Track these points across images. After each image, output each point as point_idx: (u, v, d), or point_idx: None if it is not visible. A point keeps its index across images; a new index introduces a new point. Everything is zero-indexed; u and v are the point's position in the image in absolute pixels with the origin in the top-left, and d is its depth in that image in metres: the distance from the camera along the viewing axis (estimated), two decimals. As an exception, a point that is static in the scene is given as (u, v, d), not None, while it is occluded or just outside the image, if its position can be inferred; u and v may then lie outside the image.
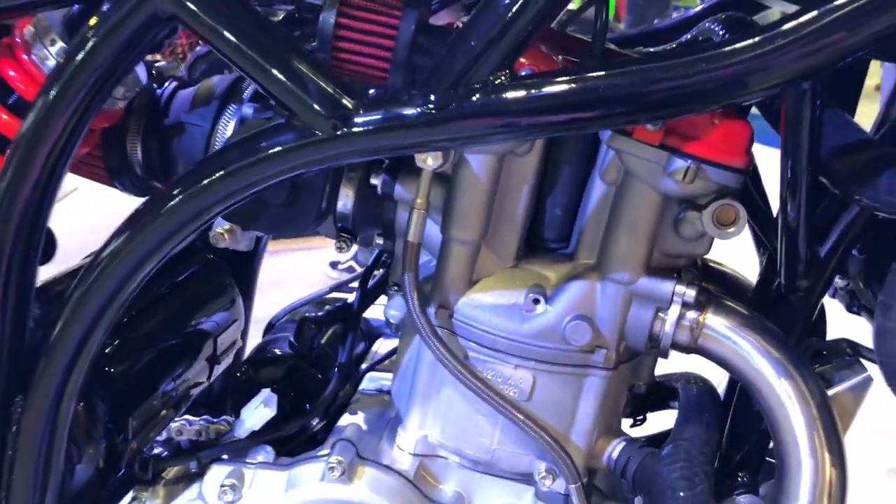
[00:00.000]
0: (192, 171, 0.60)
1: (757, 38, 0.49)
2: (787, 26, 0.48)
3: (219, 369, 0.95)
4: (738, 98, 0.52)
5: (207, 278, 0.94)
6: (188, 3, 0.53)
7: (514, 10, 0.51)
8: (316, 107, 0.54)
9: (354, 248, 2.57)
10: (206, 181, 0.58)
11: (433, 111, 0.52)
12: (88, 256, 0.82)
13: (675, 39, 0.86)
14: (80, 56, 0.56)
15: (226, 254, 0.99)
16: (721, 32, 0.78)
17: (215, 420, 0.92)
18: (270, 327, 0.93)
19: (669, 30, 0.88)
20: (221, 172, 0.57)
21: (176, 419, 0.87)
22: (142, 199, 0.70)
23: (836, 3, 0.47)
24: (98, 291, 0.63)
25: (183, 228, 0.61)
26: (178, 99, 0.79)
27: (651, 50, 0.85)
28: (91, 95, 0.58)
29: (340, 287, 0.96)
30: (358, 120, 0.53)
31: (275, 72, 0.54)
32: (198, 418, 0.92)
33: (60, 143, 0.60)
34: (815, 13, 0.48)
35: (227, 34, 0.54)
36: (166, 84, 0.80)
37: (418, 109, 0.53)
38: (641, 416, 0.87)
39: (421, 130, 0.53)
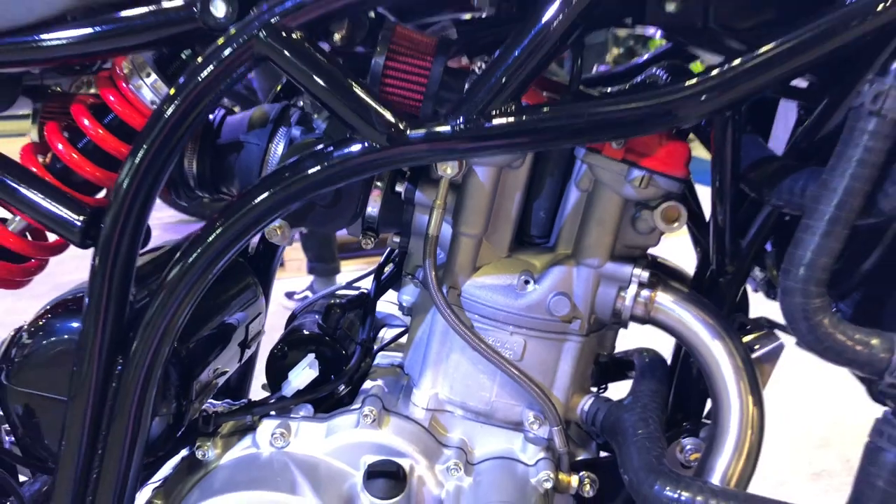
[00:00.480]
0: (271, 177, 0.77)
1: (692, 81, 0.69)
2: (712, 73, 0.69)
3: (248, 353, 1.11)
4: (680, 122, 0.72)
5: (238, 276, 1.10)
6: (280, 48, 0.72)
7: (520, 61, 0.71)
8: (374, 125, 0.72)
9: (311, 278, 2.78)
10: (286, 183, 0.75)
11: (463, 130, 0.72)
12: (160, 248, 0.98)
13: (628, 81, 1.08)
14: (189, 88, 0.74)
15: (248, 258, 1.16)
16: (664, 76, 1.00)
17: (236, 403, 1.08)
18: (293, 317, 1.10)
19: (625, 73, 1.10)
20: (299, 176, 0.75)
21: (206, 401, 1.03)
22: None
23: (744, 58, 0.68)
24: (188, 276, 0.79)
25: (260, 222, 0.78)
26: (229, 123, 0.96)
27: (611, 90, 1.07)
28: (191, 122, 0.75)
29: (351, 284, 1.13)
30: (407, 135, 0.72)
31: (344, 100, 0.72)
32: (219, 402, 1.08)
33: (162, 159, 0.77)
34: (731, 64, 0.69)
35: (308, 72, 0.72)
36: (216, 111, 0.98)
37: (452, 128, 0.72)
38: (604, 385, 1.06)
39: (454, 144, 0.72)
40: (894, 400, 0.72)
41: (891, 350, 0.71)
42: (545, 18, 0.70)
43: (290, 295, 3.56)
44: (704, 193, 0.90)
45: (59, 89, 1.00)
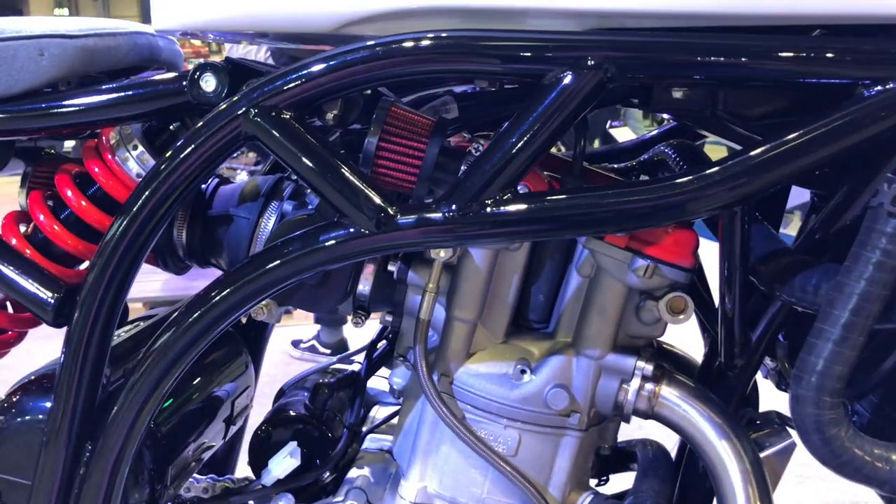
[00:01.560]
0: (258, 257, 0.73)
1: (702, 174, 0.65)
2: (725, 167, 0.65)
3: (233, 429, 1.06)
4: (686, 217, 0.68)
5: (227, 349, 1.06)
6: (268, 127, 0.69)
7: (518, 146, 0.68)
8: (362, 210, 0.69)
9: (317, 327, 2.72)
10: (270, 265, 0.72)
11: (456, 218, 0.68)
12: (141, 319, 0.95)
13: (635, 157, 1.05)
14: (174, 163, 0.71)
15: (239, 328, 1.13)
16: (672, 155, 0.97)
17: (220, 478, 1.03)
18: (282, 393, 1.05)
19: (631, 149, 1.06)
20: (283, 259, 0.71)
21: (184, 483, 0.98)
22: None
23: (758, 152, 0.64)
24: (165, 358, 0.75)
25: (245, 304, 0.74)
26: (221, 193, 0.93)
27: (617, 167, 1.03)
28: (177, 196, 0.72)
29: (344, 359, 1.09)
30: (396, 221, 0.69)
31: (331, 183, 0.69)
32: (204, 476, 1.03)
33: (145, 234, 0.73)
34: (744, 158, 0.65)
35: (295, 152, 0.69)
36: (209, 180, 0.95)
37: (444, 215, 0.68)
38: (605, 477, 1.01)
39: (446, 232, 0.68)
40: (916, 520, 0.67)
41: None
42: (548, 102, 0.67)
43: (296, 343, 3.51)
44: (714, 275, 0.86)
45: (52, 151, 0.98)
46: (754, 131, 0.74)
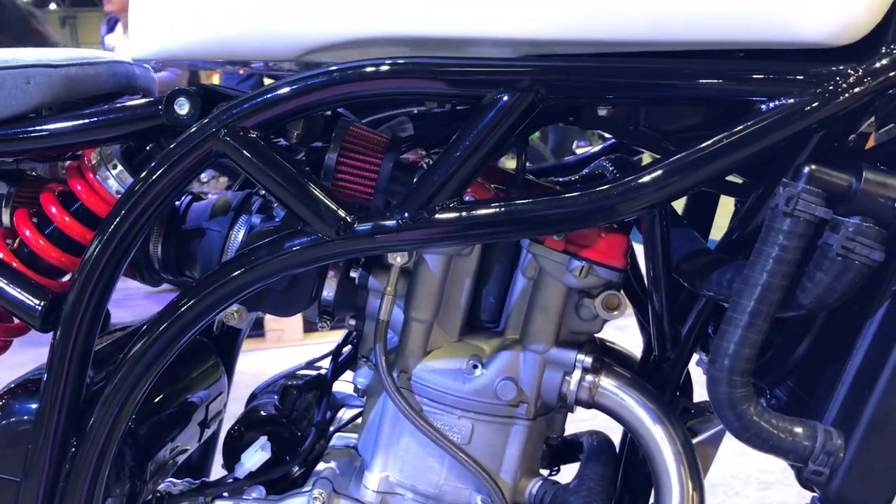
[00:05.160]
0: (228, 264, 0.81)
1: (623, 181, 0.74)
2: (640, 175, 0.74)
3: (207, 433, 1.13)
4: (610, 220, 0.77)
5: (201, 357, 1.13)
6: (237, 146, 0.76)
7: (462, 159, 0.76)
8: (323, 219, 0.77)
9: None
10: (239, 271, 0.79)
11: (408, 224, 0.76)
12: (126, 327, 1.01)
13: (578, 172, 1.14)
14: (150, 180, 0.78)
15: (213, 337, 1.19)
16: (610, 168, 1.06)
17: (196, 482, 1.09)
18: (253, 397, 1.12)
19: (575, 164, 1.15)
20: (251, 264, 0.79)
21: (161, 481, 1.04)
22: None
23: (671, 161, 0.73)
24: (143, 360, 0.82)
25: (215, 308, 0.81)
26: (194, 209, 1.00)
27: (559, 180, 1.12)
28: (151, 213, 0.80)
29: (311, 364, 1.15)
30: (354, 228, 0.76)
31: (295, 195, 0.77)
32: (180, 480, 1.09)
33: (124, 247, 0.80)
34: (658, 166, 0.74)
35: (262, 168, 0.76)
36: (183, 197, 1.02)
37: (397, 222, 0.76)
38: (557, 468, 1.08)
39: (399, 237, 0.76)
40: (820, 486, 0.75)
41: (813, 438, 0.74)
42: (487, 120, 0.76)
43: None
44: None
45: (34, 173, 1.04)
46: (674, 143, 0.83)
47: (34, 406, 0.84)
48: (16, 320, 0.96)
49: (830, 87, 0.71)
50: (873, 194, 0.70)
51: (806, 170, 0.71)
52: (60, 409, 0.82)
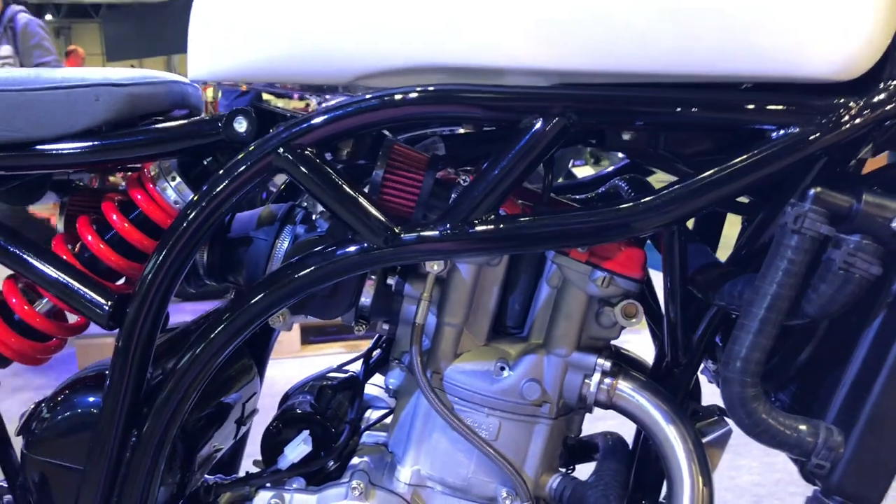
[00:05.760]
0: (281, 271, 0.88)
1: (644, 200, 0.82)
2: (660, 195, 0.82)
3: (243, 429, 1.19)
4: (631, 235, 0.84)
5: (237, 359, 1.19)
6: (295, 162, 0.84)
7: (499, 178, 0.83)
8: (373, 229, 0.84)
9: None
10: (292, 278, 0.86)
11: (449, 235, 0.83)
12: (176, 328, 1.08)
13: (594, 190, 1.22)
14: (213, 194, 0.85)
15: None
16: (625, 187, 1.14)
17: (228, 478, 1.16)
18: (286, 397, 1.19)
19: (591, 183, 1.23)
20: (303, 272, 0.86)
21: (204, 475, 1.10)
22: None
23: (687, 183, 0.81)
24: (200, 359, 0.89)
25: (267, 311, 0.88)
26: (238, 219, 1.07)
27: (579, 198, 1.20)
28: (210, 224, 0.87)
29: (342, 367, 1.22)
30: (401, 238, 0.84)
31: (346, 207, 0.84)
32: (213, 476, 1.16)
33: (185, 254, 0.87)
34: (675, 188, 0.81)
35: (318, 183, 0.84)
36: (227, 208, 1.09)
37: (440, 233, 0.84)
38: (573, 466, 1.15)
39: (440, 246, 0.84)
40: (821, 479, 0.83)
41: (816, 434, 0.81)
42: (522, 143, 0.83)
43: None
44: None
45: (82, 184, 1.11)
46: (690, 166, 0.91)
47: (96, 399, 0.91)
48: (71, 320, 1.03)
49: (833, 119, 0.79)
50: (872, 214, 0.78)
51: (812, 192, 0.79)
52: (123, 402, 0.88)
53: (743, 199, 1.03)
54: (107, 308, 0.89)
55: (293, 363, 3.68)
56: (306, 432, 1.01)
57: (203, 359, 0.88)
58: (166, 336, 1.02)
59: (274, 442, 1.07)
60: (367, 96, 0.84)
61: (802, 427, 0.82)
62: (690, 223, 1.14)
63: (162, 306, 0.88)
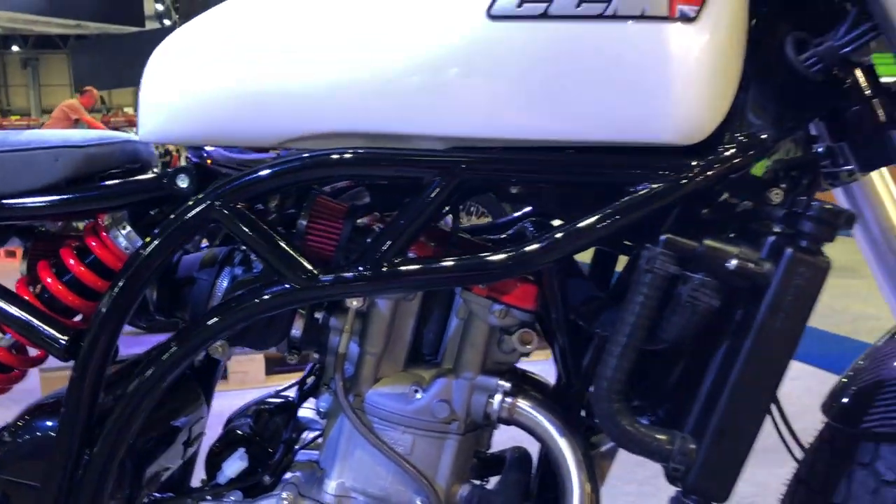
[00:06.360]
0: (217, 307, 1.01)
1: (523, 243, 0.96)
2: (538, 238, 0.96)
3: (189, 451, 1.31)
4: (518, 273, 0.99)
5: (185, 386, 1.32)
6: (229, 215, 0.97)
7: (406, 226, 0.98)
8: (294, 272, 0.98)
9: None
10: (226, 313, 0.99)
11: (363, 276, 0.97)
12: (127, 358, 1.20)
13: (505, 231, 1.37)
14: (157, 242, 0.99)
15: (194, 369, 1.38)
16: (530, 229, 1.29)
17: (173, 494, 1.27)
18: (230, 421, 1.31)
19: (502, 225, 1.38)
20: (239, 307, 0.99)
21: (152, 492, 1.22)
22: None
23: (562, 230, 0.96)
24: (146, 385, 1.01)
25: (206, 342, 1.01)
26: (185, 261, 1.20)
27: (491, 237, 1.34)
28: (157, 267, 1.00)
29: (279, 392, 1.35)
30: (319, 279, 0.98)
31: (273, 253, 0.98)
32: (162, 494, 1.28)
33: (134, 293, 1.01)
34: (552, 233, 0.96)
35: (249, 233, 0.98)
36: (175, 251, 1.22)
37: (353, 274, 0.98)
38: (486, 479, 1.29)
39: (354, 286, 0.98)
40: (680, 480, 0.97)
41: (672, 443, 0.96)
42: (424, 196, 0.98)
43: None
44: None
45: (44, 230, 1.24)
46: (572, 212, 1.06)
47: (54, 423, 1.03)
48: (31, 353, 1.15)
49: (681, 176, 0.95)
50: (712, 256, 0.93)
51: (663, 237, 0.94)
52: (77, 425, 1.00)
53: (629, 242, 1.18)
54: (63, 342, 1.02)
55: (258, 393, 3.78)
56: (242, 450, 1.13)
57: (148, 385, 1.01)
58: (117, 366, 1.14)
59: (215, 460, 1.19)
60: (291, 158, 0.98)
61: (661, 436, 0.96)
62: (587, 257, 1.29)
63: (112, 339, 1.01)
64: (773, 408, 1.11)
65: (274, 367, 4.10)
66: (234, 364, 4.06)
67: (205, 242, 1.26)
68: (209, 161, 2.18)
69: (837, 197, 1.32)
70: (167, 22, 16.27)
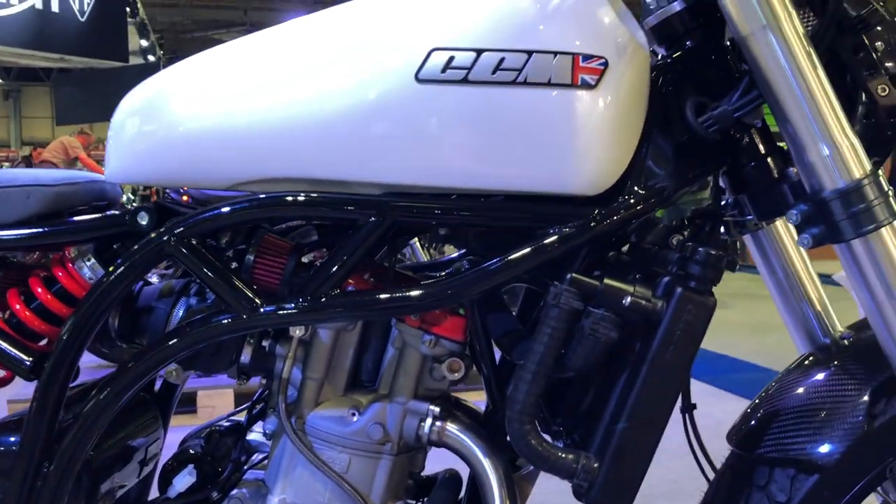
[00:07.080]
0: (169, 334, 1.12)
1: (449, 280, 1.08)
2: (460, 276, 1.08)
3: (145, 470, 1.40)
4: (443, 306, 1.10)
5: (143, 409, 1.41)
6: (182, 250, 1.08)
7: (342, 262, 1.09)
8: (240, 302, 1.09)
9: None
10: (177, 339, 1.10)
11: (302, 307, 1.08)
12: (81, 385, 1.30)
13: (444, 269, 1.48)
14: (117, 273, 1.09)
15: (153, 394, 1.48)
16: (466, 267, 1.41)
17: (132, 514, 1.36)
18: (185, 441, 1.40)
19: (444, 263, 1.50)
20: (186, 334, 1.10)
21: (108, 507, 1.31)
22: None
23: (477, 269, 1.08)
24: (103, 403, 1.11)
25: (159, 366, 1.12)
26: (145, 292, 1.31)
27: (429, 273, 1.46)
28: (116, 296, 1.10)
29: (230, 415, 1.45)
30: (263, 310, 1.09)
31: (222, 285, 1.09)
32: (121, 512, 1.36)
33: (94, 319, 1.11)
34: (473, 271, 1.08)
35: (200, 266, 1.09)
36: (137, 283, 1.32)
37: (294, 305, 1.09)
38: (421, 500, 1.39)
39: (294, 317, 1.09)
40: (585, 496, 1.08)
41: (577, 461, 1.07)
42: (359, 235, 1.10)
43: None
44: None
45: (14, 260, 1.34)
46: (495, 253, 1.18)
47: (16, 438, 1.12)
48: (-1, 374, 1.24)
49: (584, 223, 1.07)
50: (610, 293, 1.05)
51: (568, 276, 1.06)
52: (38, 441, 1.10)
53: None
54: (28, 363, 1.11)
55: (221, 425, 3.84)
56: (191, 466, 1.23)
57: (104, 404, 1.11)
58: (78, 387, 1.24)
59: (168, 477, 1.28)
60: (241, 201, 1.10)
61: (567, 455, 1.07)
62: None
63: (74, 361, 1.10)
64: (692, 433, 1.23)
65: (242, 401, 4.16)
66: (202, 398, 4.13)
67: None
68: (185, 198, 2.30)
69: (748, 243, 1.44)
70: (151, 58, 16.40)
